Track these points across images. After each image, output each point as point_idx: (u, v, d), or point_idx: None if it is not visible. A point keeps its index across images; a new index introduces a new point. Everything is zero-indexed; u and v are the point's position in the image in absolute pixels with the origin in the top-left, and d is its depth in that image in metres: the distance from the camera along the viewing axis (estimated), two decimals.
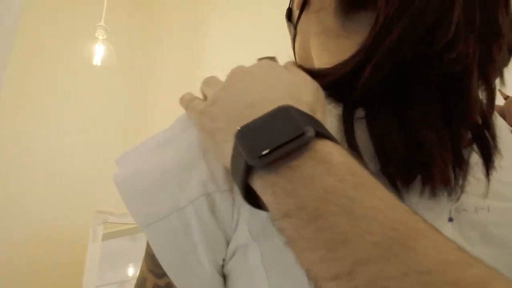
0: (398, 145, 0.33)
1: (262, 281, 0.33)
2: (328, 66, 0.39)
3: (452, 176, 0.34)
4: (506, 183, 0.38)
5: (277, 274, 0.33)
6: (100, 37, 2.20)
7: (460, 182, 0.34)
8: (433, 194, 0.34)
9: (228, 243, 0.35)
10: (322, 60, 0.44)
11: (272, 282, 0.33)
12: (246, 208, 0.33)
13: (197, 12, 2.60)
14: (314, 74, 0.36)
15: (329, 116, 0.36)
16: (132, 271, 2.08)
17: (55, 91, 2.36)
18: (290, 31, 0.52)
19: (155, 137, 0.38)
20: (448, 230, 0.35)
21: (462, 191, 0.35)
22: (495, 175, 0.36)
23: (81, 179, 2.34)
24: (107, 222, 2.07)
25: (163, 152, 0.36)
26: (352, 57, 0.36)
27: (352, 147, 0.33)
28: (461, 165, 0.34)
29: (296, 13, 0.48)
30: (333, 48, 0.43)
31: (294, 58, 0.53)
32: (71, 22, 2.46)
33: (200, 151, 0.35)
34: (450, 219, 0.35)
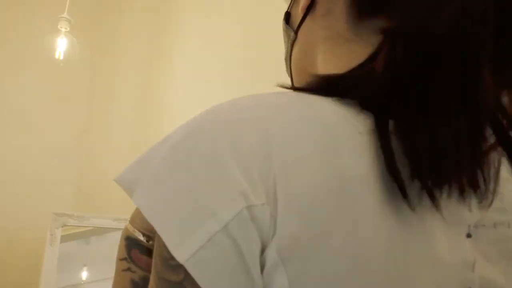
0: (429, 154, 0.31)
1: None
2: (335, 72, 0.38)
3: (482, 180, 0.32)
4: None
5: None
6: (63, 30, 2.09)
7: (491, 187, 0.33)
8: (462, 199, 0.32)
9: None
10: (329, 65, 0.42)
11: None
12: (278, 222, 0.29)
13: (165, 4, 2.53)
14: (331, 79, 0.35)
15: (353, 132, 0.33)
16: (86, 275, 2.01)
17: (9, 86, 2.22)
18: (286, 35, 0.49)
19: (172, 145, 0.32)
20: (467, 246, 0.34)
21: (493, 196, 0.33)
22: None
23: (37, 180, 2.22)
24: (66, 225, 1.97)
25: (188, 165, 0.31)
26: (369, 60, 0.35)
27: (391, 167, 0.31)
28: (486, 169, 0.33)
29: (297, 16, 0.46)
30: (342, 54, 0.41)
31: (287, 64, 0.51)
32: (31, 12, 2.33)
33: (231, 157, 0.30)
34: (469, 235, 0.34)
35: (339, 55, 0.42)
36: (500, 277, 0.34)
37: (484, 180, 0.32)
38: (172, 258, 0.29)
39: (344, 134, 0.32)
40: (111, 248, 2.08)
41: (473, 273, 0.33)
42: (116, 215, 2.07)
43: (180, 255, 0.28)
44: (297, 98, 0.35)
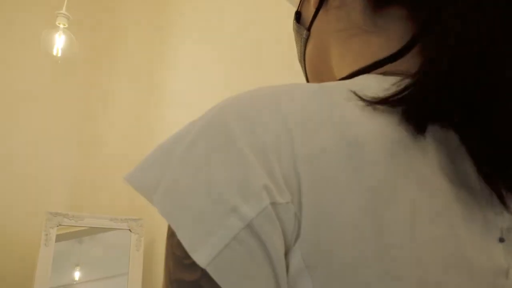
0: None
1: None
2: (353, 68, 0.36)
3: None
4: None
5: None
6: (61, 26, 2.06)
7: None
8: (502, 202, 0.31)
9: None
10: (345, 60, 0.40)
11: None
12: (304, 226, 0.27)
13: (164, 3, 2.51)
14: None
15: (421, 148, 0.30)
16: (79, 275, 1.98)
17: (5, 82, 2.19)
18: (299, 35, 0.48)
19: (189, 145, 0.30)
20: (499, 251, 0.31)
21: None
22: None
23: (31, 179, 2.18)
24: (61, 225, 1.94)
25: (207, 163, 0.28)
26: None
27: (488, 177, 0.30)
28: None
29: (309, 12, 0.45)
30: (359, 47, 0.39)
31: (302, 65, 0.49)
32: (28, 8, 2.30)
33: (250, 150, 0.28)
34: (502, 240, 0.32)
35: (354, 48, 0.39)
36: None
37: None
38: (187, 256, 0.26)
39: (375, 147, 0.29)
40: (104, 248, 2.07)
41: (507, 280, 0.31)
42: (112, 215, 2.03)
43: (201, 258, 0.26)
44: (320, 89, 0.32)
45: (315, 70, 0.46)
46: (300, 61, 0.49)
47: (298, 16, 0.47)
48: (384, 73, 0.35)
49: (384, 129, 0.30)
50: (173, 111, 2.23)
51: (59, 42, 2.07)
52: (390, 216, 0.27)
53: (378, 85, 0.32)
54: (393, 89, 0.31)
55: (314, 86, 0.32)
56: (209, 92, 2.00)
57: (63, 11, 2.03)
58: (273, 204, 0.26)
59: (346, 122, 0.29)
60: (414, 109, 0.30)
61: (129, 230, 2.04)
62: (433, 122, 0.31)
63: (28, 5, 2.32)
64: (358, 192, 0.27)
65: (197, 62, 2.18)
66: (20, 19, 2.28)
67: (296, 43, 0.49)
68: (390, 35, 0.36)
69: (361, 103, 0.31)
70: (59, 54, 2.07)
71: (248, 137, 0.28)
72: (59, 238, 1.89)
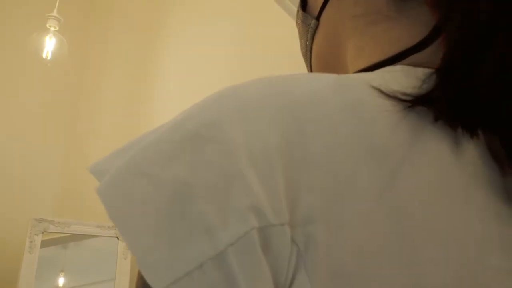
0: None
1: None
2: (373, 59, 0.32)
3: None
4: None
5: None
6: (52, 28, 2.03)
7: None
8: None
9: None
10: (363, 51, 0.35)
11: None
12: (311, 250, 0.22)
13: (157, 4, 2.49)
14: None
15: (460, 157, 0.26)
16: (63, 281, 1.94)
17: None
18: (305, 26, 0.41)
19: (160, 135, 0.24)
20: None
21: None
22: None
23: (16, 184, 2.14)
24: (46, 232, 1.89)
25: (176, 156, 0.22)
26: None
27: None
28: None
29: (316, 1, 0.39)
30: (381, 36, 0.34)
31: (306, 61, 0.43)
32: (19, 10, 2.27)
33: (246, 158, 0.22)
34: None
35: (375, 37, 0.34)
36: None
37: None
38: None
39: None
40: (90, 253, 2.02)
41: None
42: (99, 222, 1.99)
43: (156, 280, 0.21)
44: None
45: (323, 64, 0.41)
46: (304, 56, 0.43)
47: (304, 4, 0.41)
48: (410, 64, 0.30)
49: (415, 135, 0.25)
50: (164, 116, 2.20)
51: (49, 45, 2.04)
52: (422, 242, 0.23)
53: (406, 79, 0.28)
54: (426, 86, 0.27)
55: (329, 78, 0.27)
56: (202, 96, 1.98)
57: (54, 13, 2.01)
58: (262, 228, 0.21)
59: (369, 123, 0.25)
60: (460, 109, 0.26)
61: (117, 237, 2.00)
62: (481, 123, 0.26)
63: (19, 6, 2.29)
64: (384, 208, 0.23)
65: (189, 64, 2.17)
66: (11, 21, 2.25)
67: (301, 36, 0.43)
68: (414, 23, 0.32)
69: (390, 102, 0.26)
70: (49, 57, 2.04)
71: (241, 136, 0.22)
72: (44, 244, 1.85)
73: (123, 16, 2.63)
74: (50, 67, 2.10)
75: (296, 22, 0.44)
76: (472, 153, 0.26)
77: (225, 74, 1.92)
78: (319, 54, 0.41)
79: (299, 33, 0.43)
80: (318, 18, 0.39)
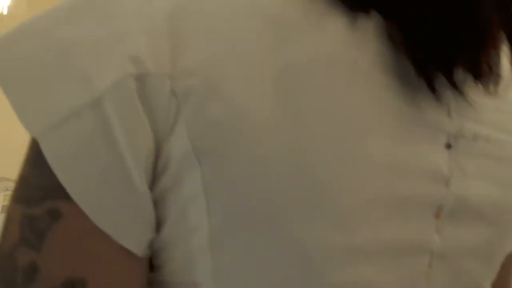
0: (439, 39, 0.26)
1: (200, 220, 0.23)
2: None
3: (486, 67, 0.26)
4: (507, 113, 0.31)
5: (221, 208, 0.23)
6: None
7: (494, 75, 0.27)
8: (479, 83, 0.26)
9: (157, 151, 0.23)
10: None
11: (214, 221, 0.23)
12: (190, 103, 0.22)
13: None
14: None
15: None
16: None
17: None
18: None
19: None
20: (444, 157, 0.28)
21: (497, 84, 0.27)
22: (495, 102, 0.30)
23: None
24: (8, 190, 1.89)
25: (75, 20, 0.23)
26: None
27: (417, 60, 0.26)
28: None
29: None
30: None
31: None
32: None
33: (138, 20, 0.22)
34: (449, 146, 0.28)
35: None
36: (476, 198, 0.29)
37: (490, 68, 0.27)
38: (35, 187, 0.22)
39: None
40: None
41: (447, 189, 0.28)
42: None
43: (32, 124, 0.21)
44: None
45: None
46: None
47: None
48: None
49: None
50: None
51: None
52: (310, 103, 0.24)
53: None
54: None
55: None
56: None
57: None
58: (139, 75, 0.21)
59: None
60: None
61: None
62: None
63: None
64: (271, 71, 0.23)
65: None
66: None
67: None
68: None
69: None
70: (5, 12, 1.97)
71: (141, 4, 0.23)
72: (5, 209, 1.87)
73: None
74: (6, 22, 1.93)
75: None
76: (370, 34, 0.26)
77: None
78: None
79: None
80: None
